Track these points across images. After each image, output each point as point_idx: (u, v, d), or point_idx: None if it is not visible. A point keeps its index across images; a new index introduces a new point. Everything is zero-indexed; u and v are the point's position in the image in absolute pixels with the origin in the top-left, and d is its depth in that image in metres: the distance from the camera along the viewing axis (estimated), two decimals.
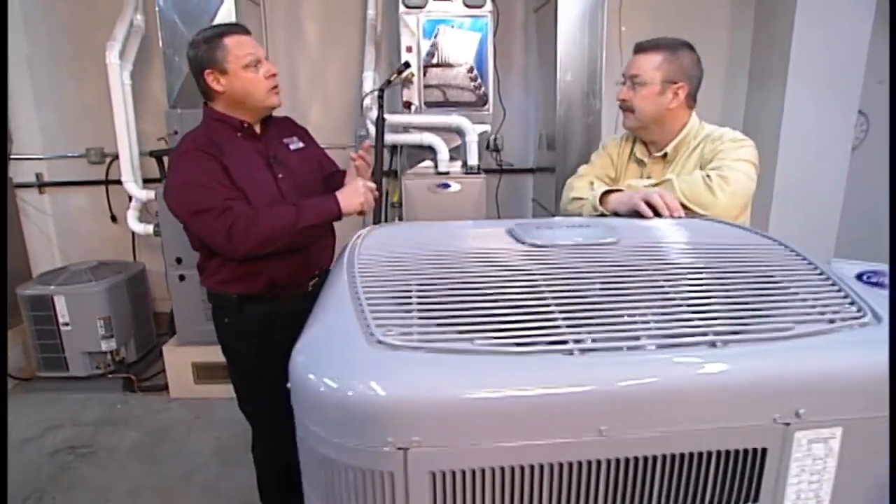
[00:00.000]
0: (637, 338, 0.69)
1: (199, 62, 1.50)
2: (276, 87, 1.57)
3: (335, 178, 1.76)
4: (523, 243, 0.96)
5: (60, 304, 2.86)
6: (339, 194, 1.52)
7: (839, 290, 0.80)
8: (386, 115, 2.70)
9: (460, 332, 0.72)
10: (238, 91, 1.51)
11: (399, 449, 0.62)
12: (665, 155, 1.50)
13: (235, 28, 1.53)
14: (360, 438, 0.63)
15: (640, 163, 1.55)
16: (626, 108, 1.50)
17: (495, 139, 3.42)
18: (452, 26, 2.74)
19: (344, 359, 0.68)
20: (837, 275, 0.85)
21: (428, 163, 2.84)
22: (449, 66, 2.79)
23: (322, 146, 1.88)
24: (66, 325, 2.89)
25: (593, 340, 0.69)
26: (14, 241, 3.23)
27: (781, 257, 0.91)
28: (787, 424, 0.65)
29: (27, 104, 3.25)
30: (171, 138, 2.69)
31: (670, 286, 0.81)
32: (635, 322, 0.73)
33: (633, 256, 0.91)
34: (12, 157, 3.20)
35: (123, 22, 2.66)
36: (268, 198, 1.52)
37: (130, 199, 2.96)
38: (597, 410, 0.63)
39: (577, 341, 0.68)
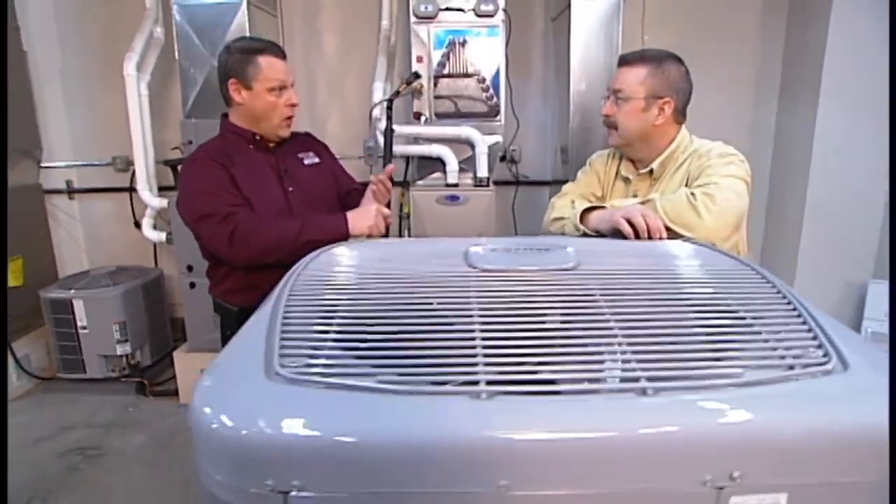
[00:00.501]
0: (557, 381, 0.62)
1: (227, 69, 1.52)
2: (291, 117, 1.59)
3: (352, 197, 1.74)
4: (474, 268, 0.90)
5: (79, 307, 2.93)
6: (350, 214, 1.52)
7: (808, 330, 0.71)
8: (395, 126, 2.68)
9: (375, 367, 0.67)
10: (256, 110, 1.54)
11: (279, 493, 0.57)
12: (651, 171, 1.41)
13: (273, 49, 1.55)
14: (240, 478, 0.59)
15: (627, 180, 1.47)
16: (609, 124, 1.43)
17: (512, 151, 3.35)
18: (464, 36, 2.69)
19: (235, 390, 0.64)
20: (813, 310, 0.76)
21: (438, 175, 2.80)
22: (460, 76, 2.74)
23: (339, 157, 1.89)
24: (84, 328, 2.96)
25: (510, 382, 0.63)
26: (43, 245, 3.35)
27: (751, 288, 0.83)
28: (720, 489, 0.57)
29: (59, 114, 3.37)
30: (185, 147, 2.73)
31: (616, 320, 0.73)
32: (563, 363, 0.66)
33: (586, 285, 0.83)
34: (43, 165, 3.32)
35: (142, 34, 2.73)
36: (274, 210, 1.52)
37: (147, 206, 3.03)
38: (496, 463, 0.56)
39: (491, 382, 0.62)
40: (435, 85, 2.76)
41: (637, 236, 1.14)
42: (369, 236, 1.53)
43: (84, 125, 3.40)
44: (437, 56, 2.72)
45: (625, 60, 1.41)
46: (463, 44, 2.71)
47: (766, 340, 0.70)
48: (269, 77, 1.50)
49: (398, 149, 2.73)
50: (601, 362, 0.65)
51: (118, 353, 3.00)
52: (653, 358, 0.66)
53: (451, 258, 0.95)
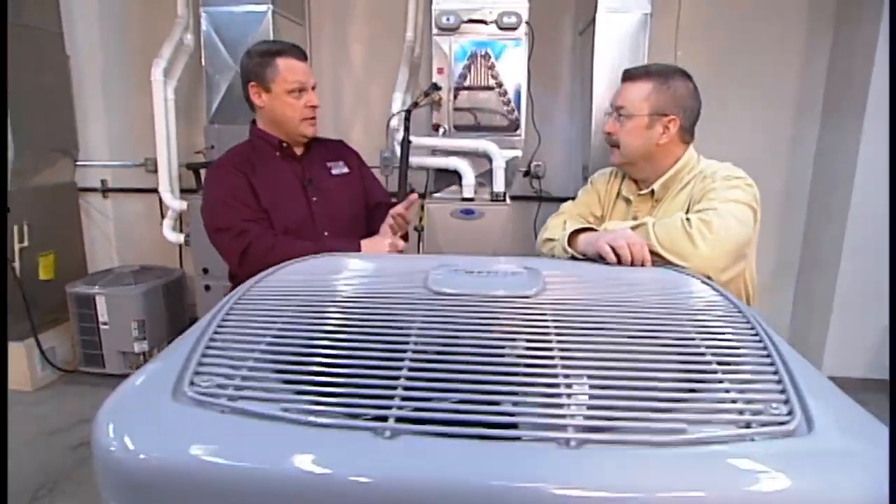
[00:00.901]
0: (470, 424, 0.56)
1: (248, 73, 1.53)
2: (313, 118, 1.57)
3: (380, 210, 1.69)
4: (428, 290, 0.85)
5: (101, 303, 3.01)
6: (364, 243, 1.51)
7: (777, 382, 0.62)
8: (412, 138, 2.65)
9: (298, 393, 0.63)
10: (276, 112, 1.54)
11: None
12: (653, 192, 1.33)
13: (292, 50, 1.53)
14: (122, 500, 0.55)
15: (628, 201, 1.39)
16: (611, 142, 1.36)
17: (536, 166, 3.28)
18: (486, 49, 2.65)
19: (138, 410, 0.60)
20: (791, 359, 0.67)
21: (456, 188, 2.76)
22: (481, 89, 2.70)
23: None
24: (105, 324, 3.04)
25: (424, 421, 0.57)
26: (75, 241, 3.47)
27: (726, 328, 0.74)
28: None
29: (99, 116, 3.50)
30: (207, 152, 2.78)
31: (562, 357, 0.67)
32: (489, 402, 0.60)
33: (541, 315, 0.77)
34: (79, 163, 3.45)
35: (171, 41, 2.81)
36: (295, 220, 1.51)
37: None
38: None
39: (401, 420, 0.57)
40: (455, 97, 2.72)
41: (621, 263, 1.06)
42: None
43: (120, 127, 3.52)
44: (458, 68, 2.69)
45: (629, 75, 1.34)
46: (485, 56, 2.67)
47: (727, 391, 0.61)
48: (287, 79, 1.49)
49: (415, 160, 2.71)
50: (533, 404, 0.59)
51: (136, 350, 3.06)
52: (593, 403, 0.59)
53: (412, 278, 0.90)
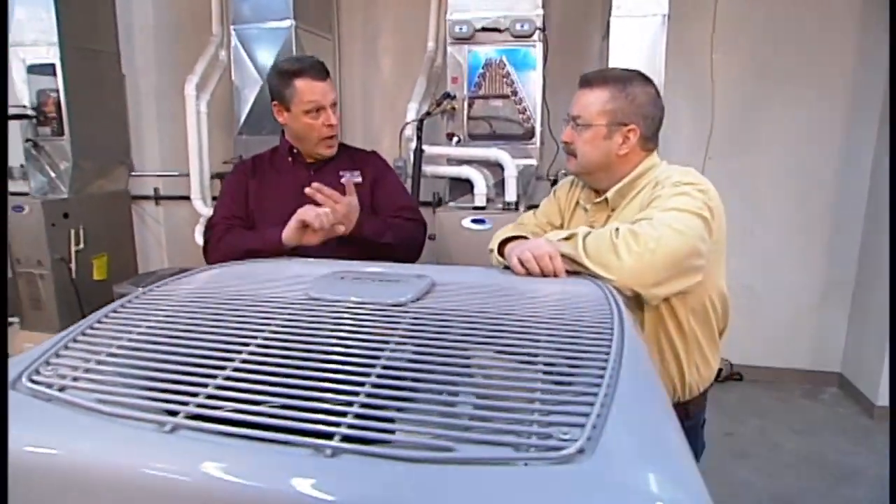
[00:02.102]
0: (252, 425, 0.56)
1: (271, 91, 1.58)
2: (331, 137, 1.57)
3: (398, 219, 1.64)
4: (306, 295, 0.86)
5: None
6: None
7: (589, 405, 0.58)
8: (425, 147, 2.67)
9: (144, 389, 0.66)
10: (296, 130, 1.57)
11: None
12: (607, 201, 1.26)
13: (312, 70, 1.52)
14: None
15: (586, 209, 1.32)
16: (568, 151, 1.29)
17: (563, 174, 3.20)
18: (500, 57, 2.64)
19: None
20: (628, 381, 0.62)
21: (470, 196, 2.75)
22: (495, 97, 2.68)
23: None
24: None
25: (212, 419, 0.58)
26: (127, 245, 3.74)
27: (582, 343, 0.70)
28: None
29: (152, 129, 3.78)
30: (234, 162, 2.94)
31: (384, 367, 0.65)
32: (284, 406, 0.60)
33: (398, 324, 0.75)
34: (134, 174, 3.73)
35: (205, 57, 3.00)
36: (281, 222, 1.44)
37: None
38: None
39: (195, 417, 0.58)
40: (470, 106, 2.72)
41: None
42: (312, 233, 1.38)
43: (171, 139, 3.77)
44: (473, 77, 2.69)
45: (585, 81, 1.27)
46: (499, 65, 2.65)
47: (534, 412, 0.58)
48: (303, 100, 1.50)
49: (429, 169, 2.73)
50: (320, 410, 0.58)
51: None
52: (379, 415, 0.57)
53: (300, 282, 0.91)
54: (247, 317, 0.79)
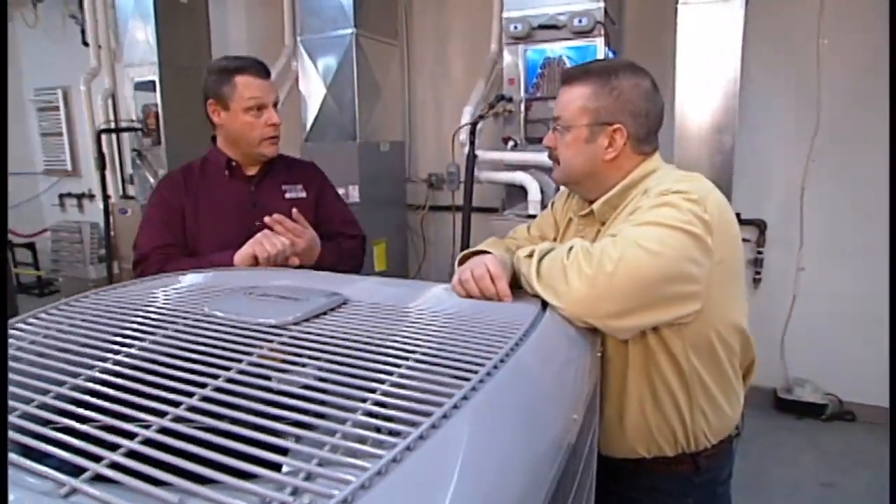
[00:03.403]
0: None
1: (206, 90, 1.48)
2: (273, 137, 1.47)
3: (338, 240, 1.56)
4: (201, 312, 0.80)
5: None
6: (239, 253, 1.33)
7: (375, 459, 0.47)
8: (478, 152, 2.58)
9: None
10: (234, 131, 1.47)
11: None
12: (593, 213, 1.09)
13: (251, 67, 1.45)
14: None
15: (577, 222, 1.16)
16: (552, 157, 1.12)
17: None
18: (561, 56, 2.47)
19: None
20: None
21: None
22: (554, 99, 2.51)
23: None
24: None
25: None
26: None
27: (421, 387, 0.58)
28: None
29: None
30: None
31: (201, 398, 0.59)
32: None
33: (262, 344, 0.68)
34: None
35: (276, 68, 3.13)
36: (232, 245, 1.37)
37: None
38: None
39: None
40: (528, 108, 2.58)
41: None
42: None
43: None
44: (531, 78, 2.55)
45: (566, 77, 1.09)
46: (560, 63, 2.48)
47: (310, 460, 0.48)
48: (244, 96, 1.42)
49: (482, 175, 2.63)
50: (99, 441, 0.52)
51: None
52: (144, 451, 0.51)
53: (205, 298, 0.86)
54: (122, 333, 0.75)
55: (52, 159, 5.10)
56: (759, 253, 2.86)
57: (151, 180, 3.52)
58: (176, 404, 0.57)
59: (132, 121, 3.60)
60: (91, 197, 4.80)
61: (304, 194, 1.57)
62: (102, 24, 3.68)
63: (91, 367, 0.66)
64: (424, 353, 0.66)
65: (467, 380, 0.61)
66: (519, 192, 2.61)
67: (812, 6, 2.58)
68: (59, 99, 4.89)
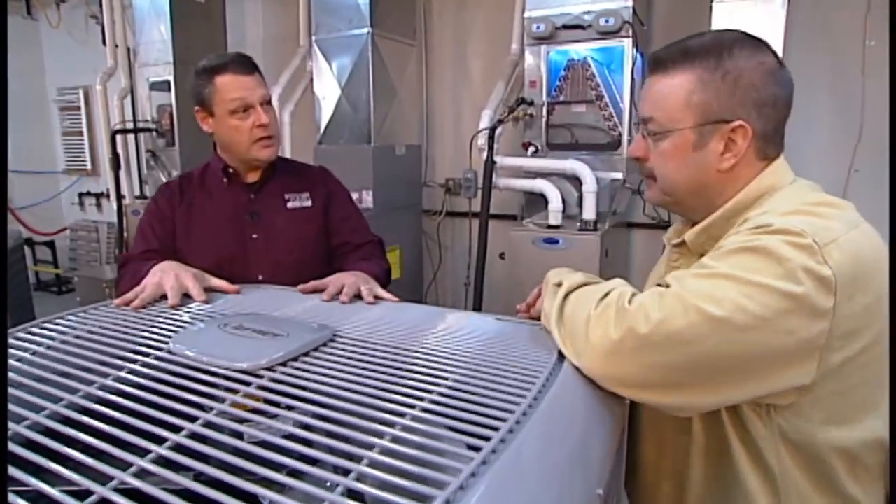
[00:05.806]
0: None
1: (192, 96, 1.36)
2: (265, 138, 1.33)
3: (355, 254, 1.44)
4: (166, 352, 0.70)
5: None
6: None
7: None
8: (497, 158, 2.46)
9: None
10: (223, 137, 1.35)
11: None
12: (685, 243, 0.85)
13: (233, 65, 1.31)
14: None
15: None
16: (644, 172, 0.86)
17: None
18: (585, 58, 2.34)
19: None
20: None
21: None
22: (578, 102, 2.39)
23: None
24: None
25: None
26: None
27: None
28: None
29: None
30: None
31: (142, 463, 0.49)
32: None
33: (218, 400, 0.58)
34: None
35: (290, 69, 3.05)
36: (226, 258, 1.31)
37: None
38: None
39: None
40: (549, 112, 2.45)
41: None
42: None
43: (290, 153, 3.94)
44: (554, 80, 2.42)
45: (656, 63, 0.81)
46: (584, 66, 2.36)
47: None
48: (225, 98, 1.29)
49: (501, 182, 2.50)
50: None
51: None
52: None
53: (181, 327, 0.76)
54: (75, 373, 0.65)
55: (72, 159, 5.11)
56: None
57: (164, 181, 3.47)
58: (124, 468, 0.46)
59: (147, 121, 3.56)
60: (109, 197, 4.79)
61: (309, 203, 1.44)
62: (120, 22, 3.65)
63: (23, 420, 0.56)
64: (423, 411, 0.55)
65: (478, 450, 0.49)
66: (539, 199, 2.49)
67: (859, 5, 2.41)
68: (79, 99, 4.90)
